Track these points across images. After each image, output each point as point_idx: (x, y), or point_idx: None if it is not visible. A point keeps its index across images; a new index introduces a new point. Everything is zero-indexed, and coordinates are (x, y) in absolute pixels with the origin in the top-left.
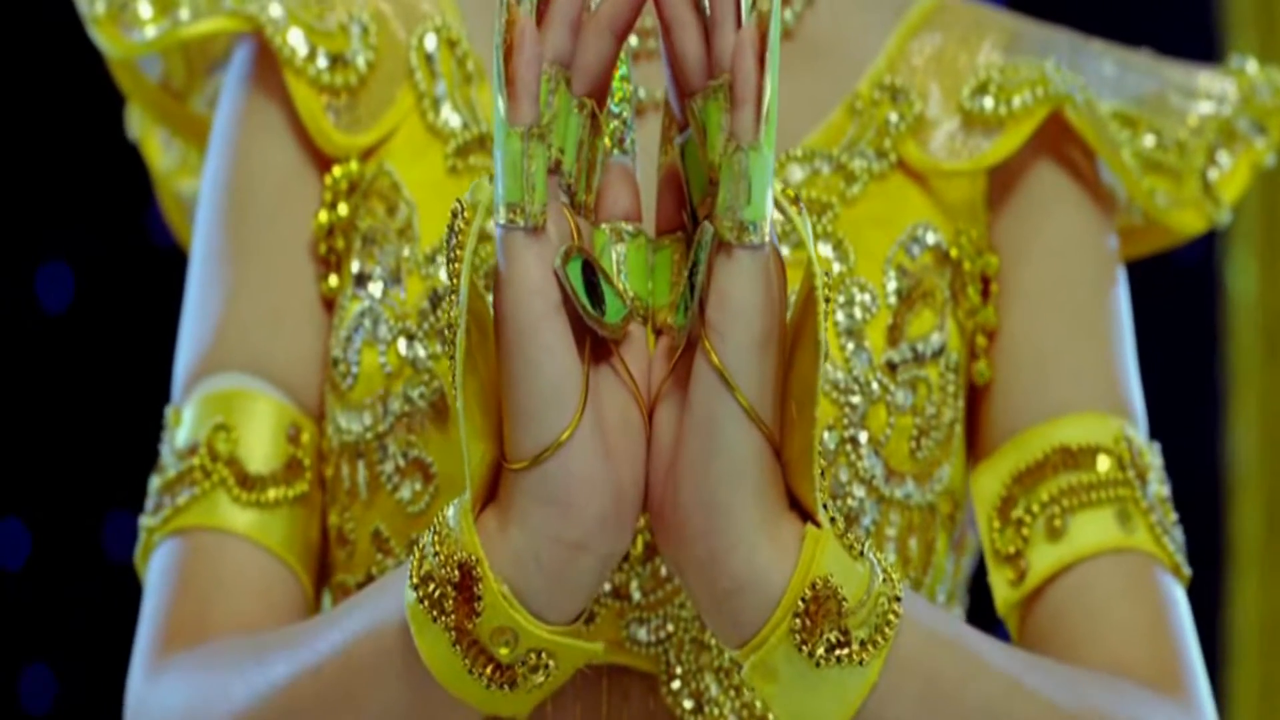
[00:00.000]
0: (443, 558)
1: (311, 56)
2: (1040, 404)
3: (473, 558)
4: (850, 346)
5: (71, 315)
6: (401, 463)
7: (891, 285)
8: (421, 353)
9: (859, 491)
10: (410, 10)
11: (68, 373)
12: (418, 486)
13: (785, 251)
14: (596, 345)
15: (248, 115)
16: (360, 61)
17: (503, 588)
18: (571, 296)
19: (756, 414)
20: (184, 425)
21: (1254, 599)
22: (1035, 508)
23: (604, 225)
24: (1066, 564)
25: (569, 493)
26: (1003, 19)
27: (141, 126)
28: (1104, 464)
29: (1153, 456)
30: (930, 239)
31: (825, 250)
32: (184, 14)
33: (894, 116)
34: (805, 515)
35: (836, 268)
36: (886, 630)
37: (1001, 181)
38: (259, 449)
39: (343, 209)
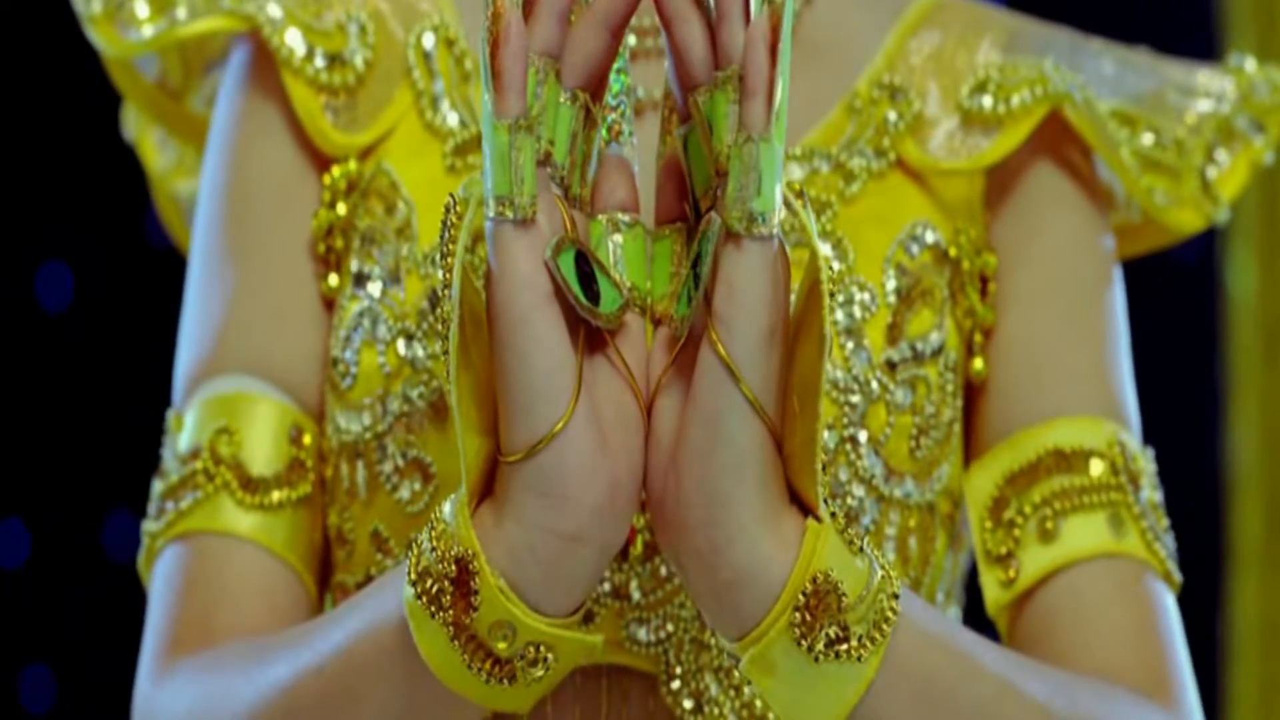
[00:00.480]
0: (439, 553)
1: (309, 56)
2: (1034, 406)
3: (469, 552)
4: (850, 345)
5: (71, 315)
6: (400, 463)
7: (891, 284)
8: (420, 352)
9: (859, 491)
10: (408, 9)
11: (67, 373)
12: (417, 486)
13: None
14: (592, 336)
15: (246, 116)
16: (358, 60)
17: (499, 581)
18: (563, 287)
19: (761, 406)
20: (186, 429)
21: (1254, 599)
22: (1027, 509)
23: (600, 216)
24: (1058, 567)
25: (564, 484)
26: (1001, 17)
27: (137, 127)
28: (1097, 468)
29: (1146, 462)
30: (929, 238)
31: (824, 249)
32: (181, 13)
33: (893, 115)
34: (805, 510)
35: (835, 266)
36: (884, 627)
37: (999, 181)
38: (261, 451)
39: (341, 208)
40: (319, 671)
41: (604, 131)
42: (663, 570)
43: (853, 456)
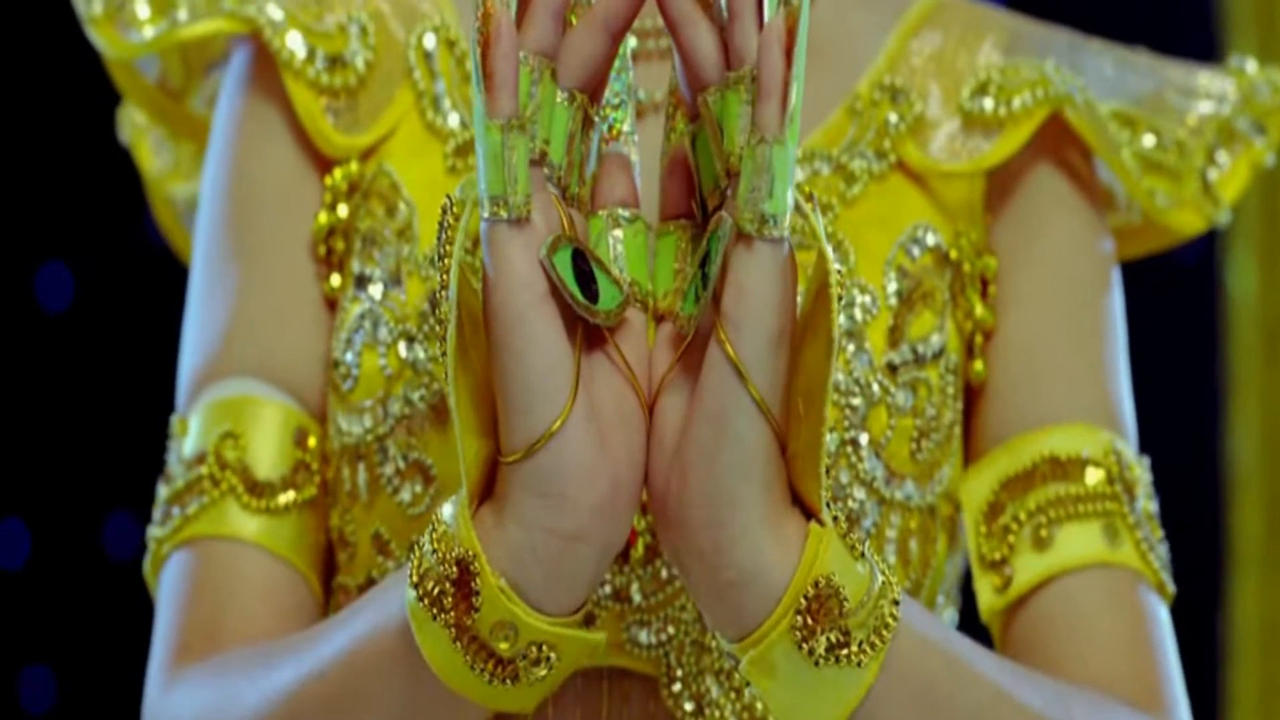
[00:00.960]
0: (440, 554)
1: (310, 58)
2: (1031, 412)
3: (470, 553)
4: (851, 348)
5: (71, 316)
6: (402, 465)
7: (892, 287)
8: (421, 355)
9: (860, 493)
10: (409, 9)
11: (67, 373)
12: (418, 489)
13: None
14: (591, 334)
15: (247, 118)
16: (359, 62)
17: (500, 581)
18: (559, 286)
19: (768, 407)
20: (190, 434)
21: (1254, 599)
22: (1022, 515)
23: (600, 212)
24: (1052, 574)
25: (563, 483)
26: (1002, 18)
27: (132, 130)
28: (1093, 477)
29: (1142, 471)
30: (930, 240)
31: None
32: (182, 15)
33: (894, 117)
34: (807, 513)
35: (837, 269)
36: (884, 633)
37: (1000, 184)
38: (267, 455)
39: (343, 210)
40: (322, 676)
41: (604, 131)
42: (664, 573)
43: (854, 459)
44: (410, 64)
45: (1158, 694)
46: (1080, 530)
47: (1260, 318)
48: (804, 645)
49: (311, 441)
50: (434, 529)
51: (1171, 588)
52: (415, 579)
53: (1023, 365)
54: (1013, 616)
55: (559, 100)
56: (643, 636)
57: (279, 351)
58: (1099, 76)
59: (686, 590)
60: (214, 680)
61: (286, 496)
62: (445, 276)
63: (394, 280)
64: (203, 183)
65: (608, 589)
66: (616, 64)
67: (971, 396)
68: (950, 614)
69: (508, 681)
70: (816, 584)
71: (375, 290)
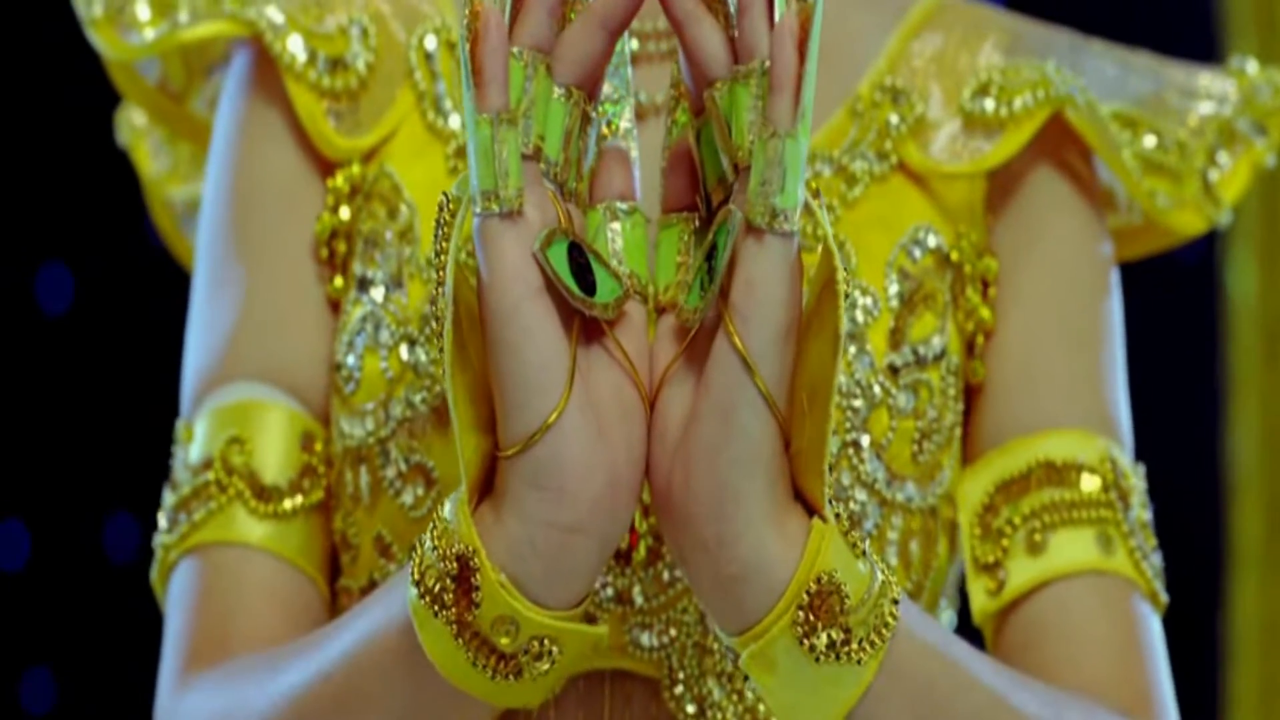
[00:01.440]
0: (441, 551)
1: (311, 61)
2: (1027, 415)
3: (470, 549)
4: (852, 350)
5: (71, 318)
6: (403, 468)
7: (893, 288)
8: (423, 357)
9: (861, 495)
10: (410, 10)
11: (67, 375)
12: (420, 491)
13: None
14: (589, 327)
15: (248, 122)
16: (360, 64)
17: (500, 576)
18: (553, 279)
19: (774, 401)
20: (196, 440)
21: (1254, 599)
22: (1017, 519)
23: (598, 205)
24: (1045, 580)
25: (561, 476)
26: (1003, 19)
27: (130, 133)
28: (1088, 484)
29: (1137, 479)
30: (931, 241)
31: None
32: (183, 17)
33: (895, 118)
34: (810, 510)
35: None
36: (884, 632)
37: (1001, 185)
38: (273, 459)
39: (345, 213)
40: (328, 678)
41: (603, 127)
42: (666, 575)
43: (855, 461)
44: (411, 65)
45: (1148, 702)
46: (1074, 537)
47: (1260, 318)
48: (805, 641)
49: (317, 445)
50: (435, 527)
51: (1164, 597)
52: (416, 576)
53: (1020, 368)
54: (1005, 620)
55: (555, 96)
56: (645, 639)
57: (283, 355)
58: (1100, 77)
59: (689, 592)
60: (224, 686)
61: (293, 501)
62: (441, 274)
63: (395, 283)
64: (204, 186)
65: (610, 591)
66: (614, 60)
67: (972, 397)
68: (949, 616)
69: (510, 677)
70: (819, 580)
71: (377, 293)
